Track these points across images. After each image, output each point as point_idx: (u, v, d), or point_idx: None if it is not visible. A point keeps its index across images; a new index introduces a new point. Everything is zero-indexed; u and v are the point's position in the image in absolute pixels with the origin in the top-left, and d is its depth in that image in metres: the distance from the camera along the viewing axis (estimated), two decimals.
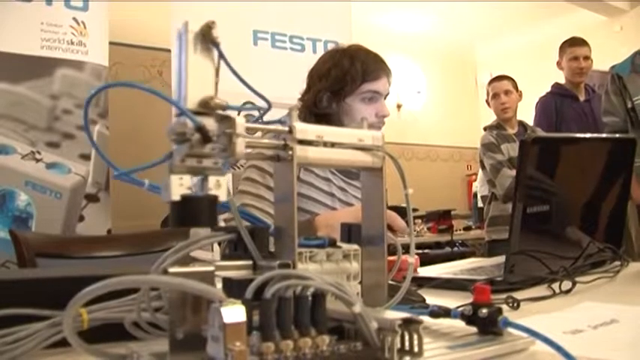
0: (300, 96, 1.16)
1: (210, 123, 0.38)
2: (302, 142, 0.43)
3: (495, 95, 2.41)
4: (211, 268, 0.37)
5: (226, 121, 0.39)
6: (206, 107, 0.38)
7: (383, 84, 1.11)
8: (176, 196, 0.37)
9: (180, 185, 0.37)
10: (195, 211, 0.37)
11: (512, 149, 2.24)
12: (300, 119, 1.32)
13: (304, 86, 1.15)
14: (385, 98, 1.14)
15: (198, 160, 0.38)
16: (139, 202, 2.35)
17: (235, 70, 0.41)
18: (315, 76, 1.13)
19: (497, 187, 2.22)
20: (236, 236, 0.44)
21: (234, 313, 0.30)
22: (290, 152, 0.42)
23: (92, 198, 1.97)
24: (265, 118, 0.49)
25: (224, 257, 0.46)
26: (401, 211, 0.83)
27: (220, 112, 0.39)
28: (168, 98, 0.39)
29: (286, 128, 0.43)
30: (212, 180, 0.39)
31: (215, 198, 0.38)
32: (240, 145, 0.39)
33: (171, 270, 0.36)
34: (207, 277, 0.36)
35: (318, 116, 1.11)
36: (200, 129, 0.37)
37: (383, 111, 1.11)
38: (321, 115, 1.11)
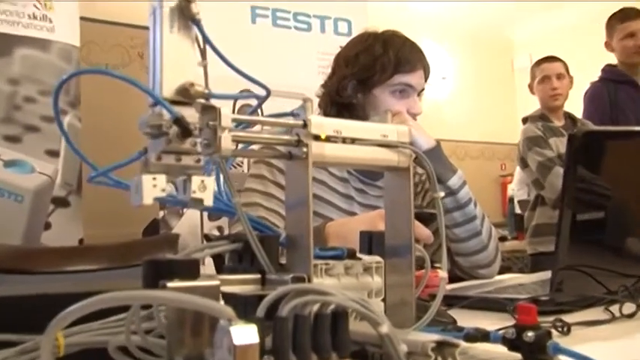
0: (322, 82, 1.19)
1: (190, 114, 0.39)
2: (318, 137, 0.44)
3: (545, 79, 2.36)
4: (216, 282, 0.38)
5: (210, 111, 0.40)
6: (185, 95, 0.39)
7: (417, 77, 1.13)
8: (148, 200, 0.37)
9: (154, 187, 0.37)
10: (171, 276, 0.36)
11: (561, 144, 2.20)
12: (321, 108, 1.32)
13: (314, 70, 1.17)
14: (420, 95, 1.16)
15: (177, 158, 0.39)
16: (116, 206, 2.37)
17: (220, 52, 0.41)
18: (342, 60, 1.15)
19: (547, 189, 2.18)
20: (241, 246, 0.45)
21: (245, 333, 0.31)
22: (304, 149, 0.43)
23: (61, 202, 1.99)
24: (270, 109, 0.50)
25: (226, 270, 0.47)
26: (422, 218, 0.84)
27: (202, 101, 0.40)
28: (140, 84, 0.39)
29: (299, 122, 0.44)
30: (196, 180, 0.39)
31: (197, 262, 0.38)
32: (226, 140, 0.39)
33: (170, 285, 0.37)
34: (212, 293, 0.37)
35: (340, 106, 1.14)
36: (178, 121, 0.37)
37: (415, 108, 1.12)
38: (343, 106, 1.13)
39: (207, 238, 1.34)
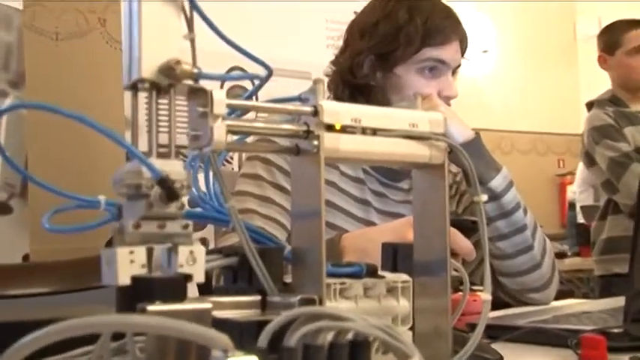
0: (332, 58, 1.21)
1: (176, 169, 0.40)
2: (331, 127, 0.46)
3: None
4: (207, 305, 0.39)
5: (199, 95, 0.41)
6: (170, 76, 0.40)
7: (452, 51, 1.14)
8: (124, 279, 0.38)
9: (131, 262, 0.39)
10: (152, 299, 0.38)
11: (639, 134, 2.20)
12: (331, 91, 1.34)
13: (322, 43, 1.18)
14: (455, 73, 1.17)
15: (160, 224, 0.40)
16: (70, 213, 2.39)
17: (212, 22, 0.42)
18: (356, 30, 1.17)
19: (622, 192, 2.16)
20: (236, 261, 0.46)
21: None
22: (315, 142, 0.45)
23: (0, 208, 2.01)
24: (268, 92, 0.51)
25: (217, 291, 0.48)
26: (463, 228, 0.85)
27: (191, 82, 0.41)
28: (114, 135, 0.40)
29: (309, 108, 0.45)
30: (183, 251, 0.40)
31: (182, 279, 0.39)
32: (219, 130, 0.41)
33: (152, 308, 0.39)
34: (202, 318, 0.39)
35: (353, 88, 1.15)
36: (162, 182, 0.39)
37: (448, 90, 1.14)
38: (358, 88, 1.15)
39: None
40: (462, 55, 1.18)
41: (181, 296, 0.40)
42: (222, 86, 1.69)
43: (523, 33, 4.53)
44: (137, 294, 0.38)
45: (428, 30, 1.11)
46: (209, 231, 1.94)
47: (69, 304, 1.31)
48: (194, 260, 0.41)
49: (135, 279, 0.39)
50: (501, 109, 4.36)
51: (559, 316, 0.93)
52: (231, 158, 2.03)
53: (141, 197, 0.39)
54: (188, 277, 0.40)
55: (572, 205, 3.88)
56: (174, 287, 0.40)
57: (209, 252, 0.49)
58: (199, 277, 0.41)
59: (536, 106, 4.49)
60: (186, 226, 0.41)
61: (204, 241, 2.04)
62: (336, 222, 1.12)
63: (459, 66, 1.18)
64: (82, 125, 0.41)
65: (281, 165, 1.09)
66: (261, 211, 1.07)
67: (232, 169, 1.99)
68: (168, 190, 0.39)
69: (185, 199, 0.41)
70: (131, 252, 0.39)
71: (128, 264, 0.38)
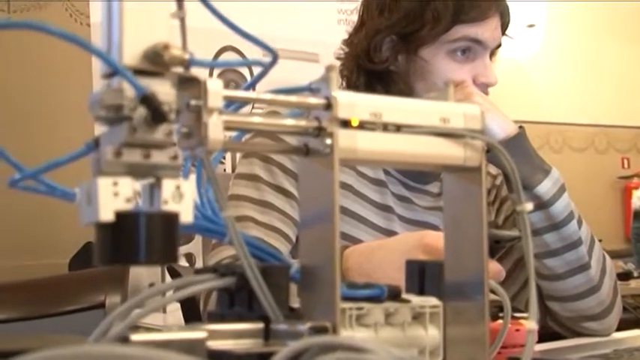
0: (344, 38, 1.21)
1: (164, 89, 0.41)
2: (347, 123, 0.46)
3: None
4: (201, 334, 0.40)
5: (191, 85, 0.42)
6: (157, 63, 0.41)
7: (490, 29, 1.14)
8: (107, 214, 0.39)
9: (115, 195, 0.39)
10: (136, 239, 0.39)
11: None
12: (343, 77, 1.35)
13: (333, 19, 1.19)
14: (493, 55, 1.18)
15: (144, 153, 0.41)
16: (29, 226, 2.40)
17: None
18: (374, 4, 1.17)
19: None
20: (234, 282, 0.47)
21: None
22: (328, 141, 0.45)
23: None
24: (267, 77, 0.52)
25: (212, 318, 0.50)
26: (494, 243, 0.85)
27: (181, 70, 0.42)
28: (90, 46, 0.41)
29: (320, 100, 0.46)
30: (168, 186, 0.41)
31: (174, 216, 0.41)
32: (214, 126, 0.41)
33: (135, 338, 0.40)
34: (196, 349, 0.40)
35: (371, 74, 1.16)
36: (147, 99, 0.40)
37: (486, 75, 1.15)
38: (375, 74, 1.16)
39: (171, 271, 1.38)
40: (503, 33, 1.18)
41: (175, 236, 0.41)
42: (211, 73, 1.70)
43: (577, 4, 4.51)
44: (122, 234, 0.39)
45: (460, 3, 1.11)
46: (196, 244, 1.95)
47: (30, 333, 1.32)
48: (181, 196, 0.41)
49: (120, 215, 0.39)
50: (551, 97, 4.34)
51: (621, 351, 0.94)
52: (224, 158, 2.04)
53: (122, 120, 0.40)
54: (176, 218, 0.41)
55: (638, 215, 3.86)
56: (167, 226, 0.41)
57: (199, 271, 0.50)
58: (187, 217, 0.41)
59: (594, 92, 4.47)
60: (175, 157, 0.42)
61: (190, 257, 2.04)
62: (352, 232, 1.13)
63: (499, 46, 1.18)
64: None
65: (283, 163, 1.09)
66: (259, 218, 1.07)
67: (225, 170, 2.00)
68: (154, 110, 0.39)
69: (175, 128, 0.42)
70: (115, 183, 0.39)
71: (111, 197, 0.39)
